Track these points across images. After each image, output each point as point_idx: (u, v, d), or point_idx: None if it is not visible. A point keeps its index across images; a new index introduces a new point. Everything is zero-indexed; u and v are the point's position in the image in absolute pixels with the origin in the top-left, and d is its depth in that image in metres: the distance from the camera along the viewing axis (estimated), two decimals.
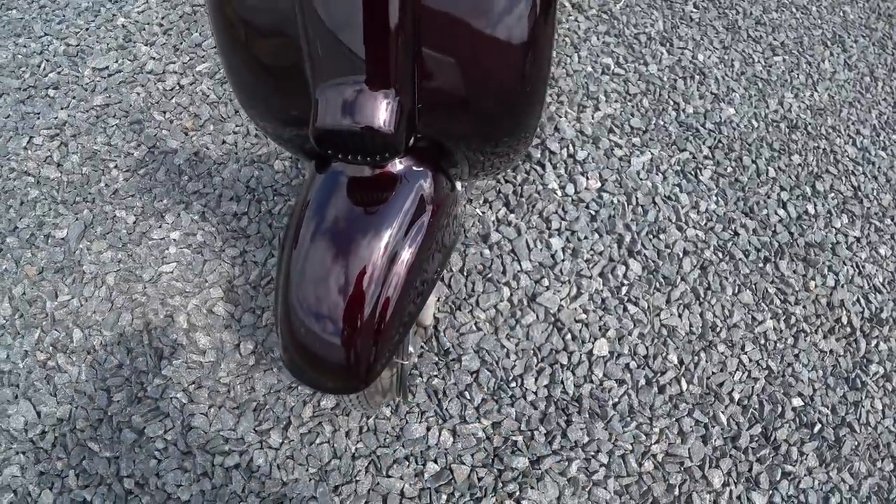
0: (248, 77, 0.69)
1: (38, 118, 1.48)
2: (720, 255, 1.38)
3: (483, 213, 1.34)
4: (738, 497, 1.16)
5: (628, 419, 1.18)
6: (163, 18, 1.63)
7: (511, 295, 1.25)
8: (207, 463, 1.09)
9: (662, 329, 1.28)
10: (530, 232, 1.32)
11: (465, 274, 1.26)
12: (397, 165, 0.71)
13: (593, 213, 1.37)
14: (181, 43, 1.60)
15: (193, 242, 1.31)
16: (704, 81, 1.62)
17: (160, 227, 1.33)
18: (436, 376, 1.16)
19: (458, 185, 0.83)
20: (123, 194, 1.37)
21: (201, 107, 1.49)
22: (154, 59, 1.56)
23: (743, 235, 1.41)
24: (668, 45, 1.68)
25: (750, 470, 1.18)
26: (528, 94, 0.68)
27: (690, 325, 1.29)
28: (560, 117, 1.50)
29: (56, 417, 1.13)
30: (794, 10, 1.83)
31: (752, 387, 1.26)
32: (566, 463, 1.12)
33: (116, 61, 1.56)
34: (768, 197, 1.47)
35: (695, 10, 1.77)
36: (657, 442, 1.17)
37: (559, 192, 1.39)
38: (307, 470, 1.09)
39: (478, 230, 1.32)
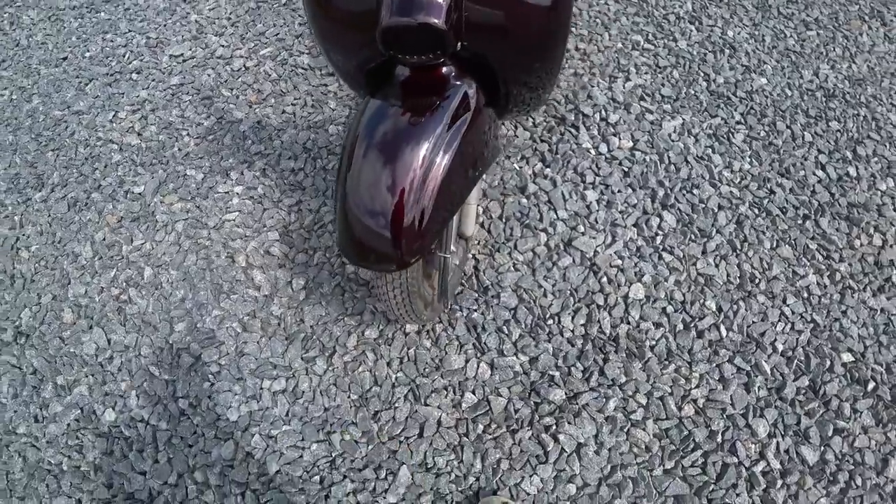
0: (325, 9, 0.75)
1: (123, 97, 1.59)
2: (756, 210, 1.31)
3: (520, 167, 1.33)
4: (787, 451, 1.06)
5: (666, 362, 1.11)
6: (231, 13, 1.75)
7: (548, 240, 1.22)
8: (256, 386, 1.09)
9: (699, 278, 1.21)
10: (566, 185, 1.30)
11: (503, 220, 1.24)
12: (443, 70, 0.74)
13: (626, 169, 1.33)
14: (247, 33, 1.70)
15: (255, 195, 1.35)
16: (735, 55, 1.58)
17: (225, 182, 1.38)
18: (475, 310, 1.13)
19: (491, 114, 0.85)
20: (194, 157, 1.44)
21: (264, 84, 1.57)
22: (223, 46, 1.66)
23: (779, 194, 1.34)
24: (696, 23, 1.65)
25: (798, 423, 1.08)
26: (552, 28, 0.73)
27: (728, 276, 1.22)
28: (592, 87, 1.49)
29: (124, 344, 1.17)
30: None
31: (797, 338, 1.17)
32: (603, 400, 1.06)
33: (190, 49, 1.67)
34: (805, 159, 1.40)
35: None
36: (697, 387, 1.10)
37: (593, 151, 1.36)
38: (349, 396, 1.07)
39: (516, 183, 1.30)
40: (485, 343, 1.09)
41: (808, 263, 1.26)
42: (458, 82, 0.74)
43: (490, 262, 1.18)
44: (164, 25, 1.76)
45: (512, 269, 1.17)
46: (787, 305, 1.20)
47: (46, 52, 1.82)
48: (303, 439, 1.04)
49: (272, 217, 1.29)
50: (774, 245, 1.27)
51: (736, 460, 1.02)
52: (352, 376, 1.08)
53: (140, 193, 1.39)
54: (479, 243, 1.21)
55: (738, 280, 1.22)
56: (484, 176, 1.25)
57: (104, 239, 1.33)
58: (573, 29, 1.63)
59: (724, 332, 1.15)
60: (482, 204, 1.27)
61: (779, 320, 1.19)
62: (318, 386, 1.08)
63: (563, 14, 0.72)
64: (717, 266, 1.23)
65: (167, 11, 1.82)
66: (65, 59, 1.77)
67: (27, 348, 1.21)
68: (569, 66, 1.54)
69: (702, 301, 1.18)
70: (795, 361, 1.15)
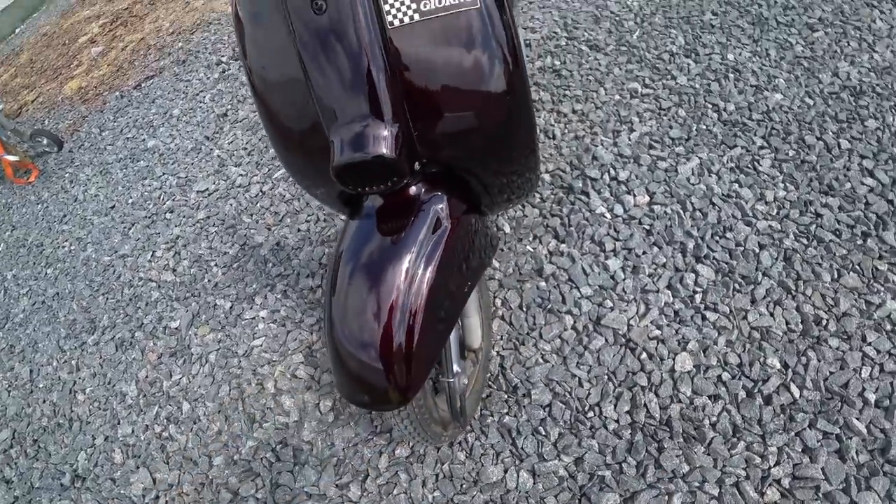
0: (285, 145, 0.75)
1: (159, 237, 1.70)
2: (804, 241, 1.15)
3: (534, 249, 1.25)
4: None
5: (734, 440, 0.95)
6: (247, 143, 1.85)
7: (574, 322, 1.12)
8: None
9: (754, 332, 1.05)
10: (585, 258, 1.21)
11: (524, 309, 1.16)
12: (412, 191, 0.70)
13: (647, 227, 1.23)
14: (262, 159, 1.78)
15: (278, 317, 1.35)
16: (741, 77, 1.47)
17: (251, 308, 1.40)
18: (506, 414, 1.03)
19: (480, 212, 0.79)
20: (222, 286, 1.49)
21: (279, 205, 1.62)
22: (241, 175, 1.75)
23: (827, 215, 1.17)
24: (692, 55, 1.56)
25: None
26: (508, 125, 0.69)
27: (787, 323, 1.05)
28: (596, 146, 1.42)
29: (167, 483, 1.16)
30: None
31: (891, 382, 0.97)
32: (666, 497, 0.91)
33: (214, 183, 1.77)
34: (847, 169, 1.23)
35: (714, 16, 1.65)
36: (777, 464, 0.92)
37: (608, 215, 1.27)
38: None
39: (531, 266, 1.23)
40: (522, 448, 0.99)
41: (882, 288, 1.07)
42: (429, 197, 0.70)
43: (516, 356, 1.09)
44: (192, 164, 1.89)
45: (540, 360, 1.08)
46: (869, 344, 1.01)
47: (98, 202, 1.99)
48: None
49: (295, 339, 1.28)
50: (836, 276, 1.10)
51: None
52: (388, 500, 1.00)
53: (176, 328, 1.43)
54: (501, 338, 1.13)
55: (800, 326, 1.05)
56: (493, 269, 1.18)
57: (146, 377, 1.37)
58: (566, 92, 1.58)
59: (796, 392, 0.98)
60: (500, 295, 1.19)
61: (862, 364, 1.00)
62: None
63: (518, 96, 0.68)
64: (771, 315, 1.07)
65: (194, 151, 1.96)
66: (112, 207, 1.93)
67: (83, 492, 1.23)
68: (568, 131, 1.48)
69: (762, 359, 1.02)
70: None
